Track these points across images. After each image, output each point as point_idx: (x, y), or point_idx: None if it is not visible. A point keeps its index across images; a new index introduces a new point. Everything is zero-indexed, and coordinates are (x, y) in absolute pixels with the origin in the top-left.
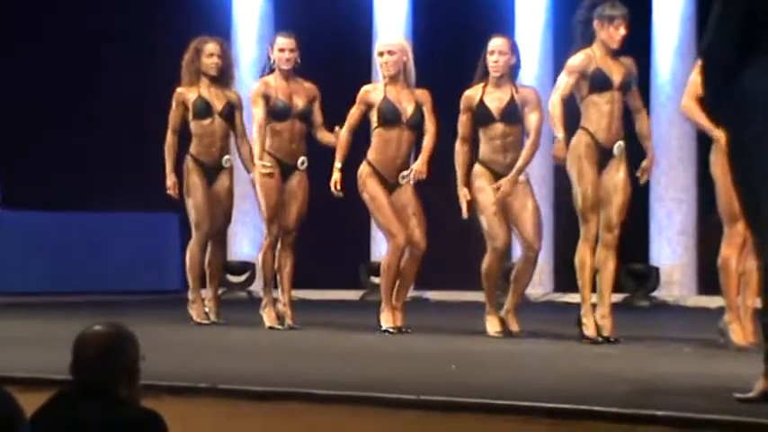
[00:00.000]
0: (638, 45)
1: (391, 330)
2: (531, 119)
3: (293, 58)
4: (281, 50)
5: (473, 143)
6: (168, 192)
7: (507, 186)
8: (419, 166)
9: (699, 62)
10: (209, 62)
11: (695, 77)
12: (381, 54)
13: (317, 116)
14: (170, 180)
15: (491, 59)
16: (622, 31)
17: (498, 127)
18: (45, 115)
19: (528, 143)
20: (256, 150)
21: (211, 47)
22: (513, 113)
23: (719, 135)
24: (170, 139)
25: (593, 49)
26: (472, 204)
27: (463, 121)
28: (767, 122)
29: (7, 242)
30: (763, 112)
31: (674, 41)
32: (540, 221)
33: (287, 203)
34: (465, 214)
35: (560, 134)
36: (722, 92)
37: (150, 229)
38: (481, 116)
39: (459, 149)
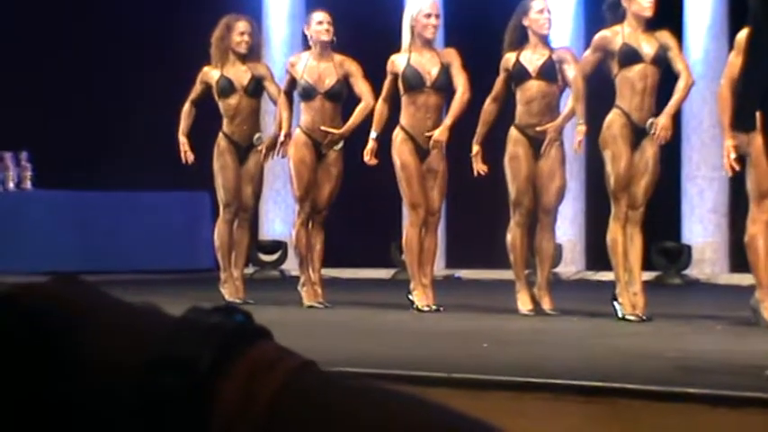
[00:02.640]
0: (670, 24)
1: (426, 309)
2: (570, 73)
3: (332, 30)
4: (320, 23)
5: (503, 105)
6: (183, 154)
7: (553, 133)
8: (438, 133)
9: (739, 41)
10: (240, 40)
11: (734, 59)
12: (429, 16)
13: (356, 89)
14: (181, 142)
15: (541, 17)
16: (649, 1)
17: (534, 85)
18: (76, 95)
19: (572, 94)
20: (284, 118)
21: (242, 25)
22: (550, 71)
23: (729, 144)
24: (186, 106)
25: (622, 25)
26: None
27: (498, 80)
28: None
29: (39, 221)
30: None
31: (706, 20)
32: (564, 191)
33: (320, 182)
34: (476, 172)
35: (581, 120)
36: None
37: (182, 208)
38: (518, 74)
39: (487, 107)
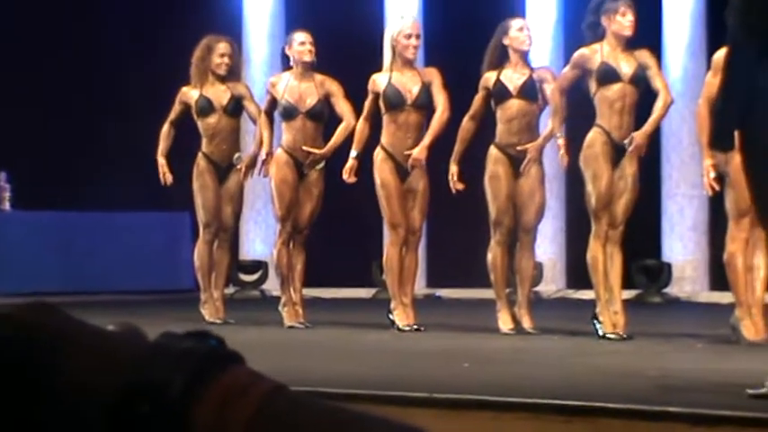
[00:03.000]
0: (649, 42)
1: (406, 329)
2: (550, 91)
3: (314, 51)
4: (302, 44)
5: (481, 124)
6: (161, 175)
7: (534, 153)
8: (416, 152)
9: (716, 60)
10: (220, 61)
11: (711, 79)
12: (410, 36)
13: (337, 109)
14: (160, 164)
15: (522, 35)
16: (630, 17)
17: (515, 104)
18: (55, 115)
19: (552, 110)
20: (264, 137)
21: (222, 46)
22: (530, 90)
23: (708, 164)
24: (165, 127)
25: (601, 44)
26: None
27: (477, 99)
28: None
29: (18, 242)
30: None
31: (684, 39)
32: (543, 210)
33: (301, 201)
34: (453, 190)
35: (559, 133)
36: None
37: (162, 228)
38: (498, 93)
39: (465, 125)
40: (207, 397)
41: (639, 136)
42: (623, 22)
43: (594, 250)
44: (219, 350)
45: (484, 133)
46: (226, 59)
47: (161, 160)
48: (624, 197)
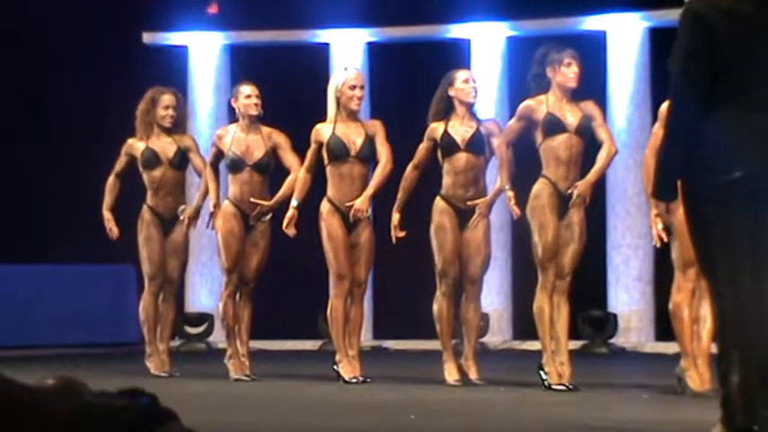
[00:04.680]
0: (593, 93)
1: (353, 381)
2: (495, 146)
3: (260, 104)
4: (248, 97)
5: (423, 173)
6: (108, 230)
7: (484, 209)
8: (358, 202)
9: (662, 112)
10: (165, 113)
11: (657, 130)
12: (354, 87)
13: (284, 161)
14: (106, 218)
15: (467, 87)
16: (575, 69)
17: (462, 157)
18: (0, 167)
19: (501, 164)
20: (210, 189)
21: (167, 98)
22: (478, 144)
23: (654, 214)
24: (111, 180)
25: (547, 95)
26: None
27: (421, 148)
28: (730, 173)
29: None
30: (729, 162)
31: (629, 90)
32: (489, 261)
33: (248, 254)
34: (394, 239)
35: (507, 186)
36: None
37: (108, 281)
38: (446, 146)
39: (408, 174)
40: None
41: (582, 185)
42: (567, 73)
43: (541, 301)
44: (152, 408)
45: (430, 184)
46: (170, 111)
47: (107, 215)
48: (571, 247)
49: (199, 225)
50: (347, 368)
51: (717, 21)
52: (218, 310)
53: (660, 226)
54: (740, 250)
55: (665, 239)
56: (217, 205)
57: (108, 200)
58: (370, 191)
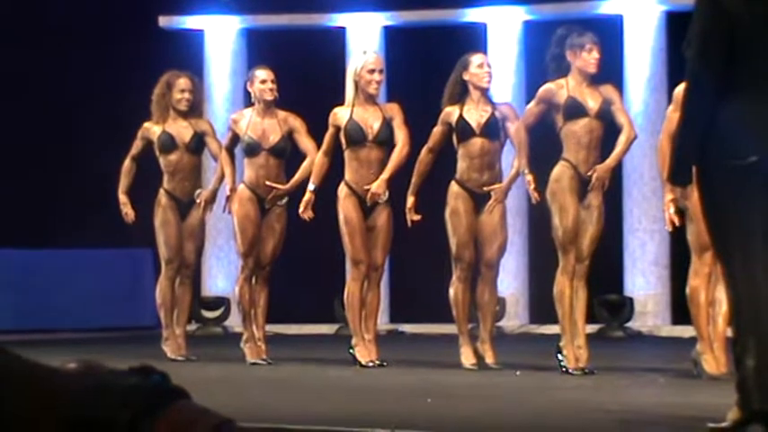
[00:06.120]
0: (610, 77)
1: (369, 365)
2: (513, 129)
3: (275, 88)
4: (263, 82)
5: (438, 157)
6: (123, 213)
7: (500, 195)
8: (375, 186)
9: (677, 95)
10: (180, 97)
11: (672, 113)
12: (373, 72)
13: (300, 145)
14: (122, 201)
15: (481, 72)
16: (596, 54)
17: (477, 142)
18: (13, 153)
19: (518, 148)
20: (227, 174)
21: (183, 82)
22: (493, 128)
23: (668, 198)
24: (127, 163)
25: (567, 79)
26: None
27: (436, 132)
28: (746, 157)
29: None
30: (744, 147)
31: (645, 74)
32: (506, 246)
33: (264, 238)
34: (409, 222)
35: (526, 170)
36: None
37: (125, 265)
38: (461, 131)
39: (422, 158)
40: None
41: (602, 169)
42: (589, 59)
43: (562, 284)
44: (164, 386)
45: (446, 168)
46: (186, 95)
47: (123, 198)
48: (590, 230)
49: (215, 209)
50: (363, 352)
51: (733, 5)
52: (234, 294)
53: (672, 210)
54: (754, 235)
55: (678, 224)
56: (233, 189)
57: (124, 183)
58: (386, 174)
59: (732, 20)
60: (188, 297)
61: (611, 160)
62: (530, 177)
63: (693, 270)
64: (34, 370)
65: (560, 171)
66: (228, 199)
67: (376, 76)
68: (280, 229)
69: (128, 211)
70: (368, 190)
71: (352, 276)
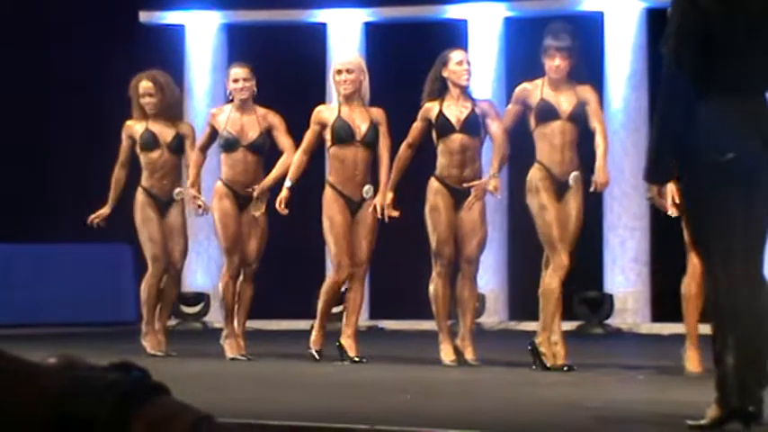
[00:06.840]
0: (590, 74)
1: (355, 360)
2: (493, 127)
3: (247, 87)
4: (235, 81)
5: (417, 153)
6: (91, 217)
7: (479, 192)
8: (380, 199)
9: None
10: (144, 102)
11: None
12: (339, 72)
13: (278, 142)
14: (105, 209)
15: (460, 69)
16: (557, 62)
17: (457, 138)
18: None
19: (495, 149)
20: (190, 174)
21: (144, 86)
22: (473, 125)
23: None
24: (117, 172)
25: (543, 79)
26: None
27: (415, 127)
28: (724, 154)
29: None
30: (723, 144)
31: (626, 71)
32: (485, 242)
33: (247, 235)
34: (386, 218)
35: (497, 174)
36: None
37: (104, 261)
38: (441, 127)
39: (402, 154)
40: (132, 428)
41: (601, 176)
42: (550, 65)
43: (552, 281)
44: (144, 381)
45: (425, 164)
46: (147, 99)
47: (106, 209)
48: (569, 230)
49: (188, 211)
50: (317, 338)
51: (709, 3)
52: (216, 291)
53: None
54: (733, 233)
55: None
56: (196, 188)
57: (113, 196)
58: (386, 184)
59: (708, 18)
60: (174, 293)
61: (600, 163)
62: (495, 181)
63: (690, 266)
64: (17, 366)
65: (533, 173)
66: (195, 199)
67: (344, 76)
68: (262, 225)
69: (99, 215)
70: (352, 188)
71: (332, 278)
